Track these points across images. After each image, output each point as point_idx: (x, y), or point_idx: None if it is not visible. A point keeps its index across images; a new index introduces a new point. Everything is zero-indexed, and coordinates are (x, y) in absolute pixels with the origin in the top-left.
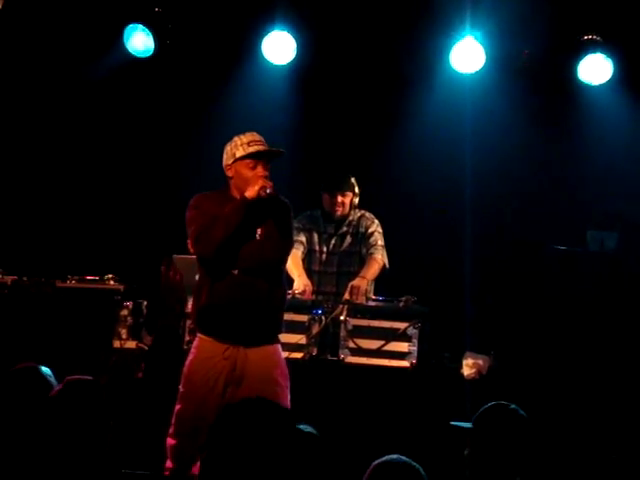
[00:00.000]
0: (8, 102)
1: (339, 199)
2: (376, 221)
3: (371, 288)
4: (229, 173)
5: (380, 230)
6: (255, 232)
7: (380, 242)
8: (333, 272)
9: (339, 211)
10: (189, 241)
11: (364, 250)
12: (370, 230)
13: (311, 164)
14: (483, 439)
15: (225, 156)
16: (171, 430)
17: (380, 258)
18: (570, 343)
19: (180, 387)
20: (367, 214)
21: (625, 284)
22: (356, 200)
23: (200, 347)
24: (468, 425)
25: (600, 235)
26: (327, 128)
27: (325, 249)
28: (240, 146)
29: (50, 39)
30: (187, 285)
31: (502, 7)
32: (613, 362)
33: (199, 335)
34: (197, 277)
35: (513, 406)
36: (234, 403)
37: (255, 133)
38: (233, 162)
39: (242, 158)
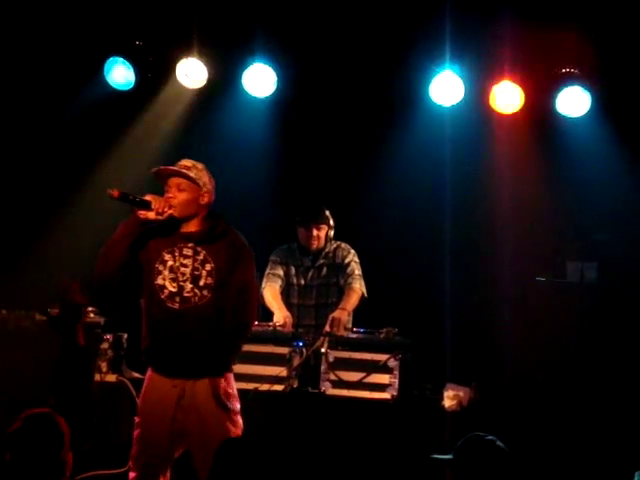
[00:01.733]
0: None
1: (314, 232)
2: (352, 251)
3: (350, 318)
4: None
5: (357, 260)
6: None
7: (357, 272)
8: (312, 305)
9: (315, 244)
10: None
11: (342, 281)
12: (347, 260)
13: (291, 197)
14: (463, 470)
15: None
16: (132, 456)
17: (358, 287)
18: (551, 374)
19: (135, 417)
20: (343, 244)
21: (606, 314)
22: (331, 233)
23: (150, 378)
24: (449, 457)
25: (580, 266)
26: (307, 161)
27: (303, 282)
28: None
29: (30, 71)
30: None
31: (480, 40)
32: (594, 392)
33: (148, 369)
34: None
35: (490, 437)
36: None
37: (185, 159)
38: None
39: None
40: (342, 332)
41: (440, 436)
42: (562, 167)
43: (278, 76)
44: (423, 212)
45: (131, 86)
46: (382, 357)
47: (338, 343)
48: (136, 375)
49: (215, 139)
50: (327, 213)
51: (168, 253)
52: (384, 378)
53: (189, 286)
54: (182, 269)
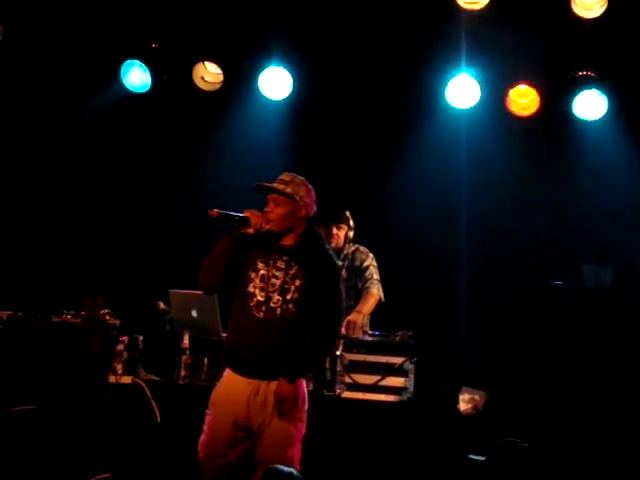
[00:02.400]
0: (4, 136)
1: (334, 231)
2: (371, 255)
3: (367, 322)
4: None
5: (375, 264)
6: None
7: (376, 276)
8: None
9: (333, 242)
10: None
11: (360, 284)
12: (365, 264)
13: (324, 203)
14: (496, 474)
15: None
16: (201, 443)
17: (376, 292)
18: (566, 378)
19: (207, 411)
20: (362, 248)
21: (621, 319)
22: (351, 234)
23: (226, 376)
24: (482, 459)
25: (596, 270)
26: (323, 163)
27: None
28: None
29: (47, 75)
30: (182, 319)
31: (496, 44)
32: (610, 396)
33: (226, 368)
34: None
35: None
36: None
37: (285, 173)
38: None
39: None
40: (358, 335)
41: (455, 439)
42: (579, 170)
43: (294, 79)
44: (439, 215)
45: (147, 89)
46: (397, 360)
47: (353, 346)
48: (152, 377)
49: (231, 142)
50: (347, 214)
51: (262, 262)
52: (399, 381)
53: (276, 297)
54: (273, 280)
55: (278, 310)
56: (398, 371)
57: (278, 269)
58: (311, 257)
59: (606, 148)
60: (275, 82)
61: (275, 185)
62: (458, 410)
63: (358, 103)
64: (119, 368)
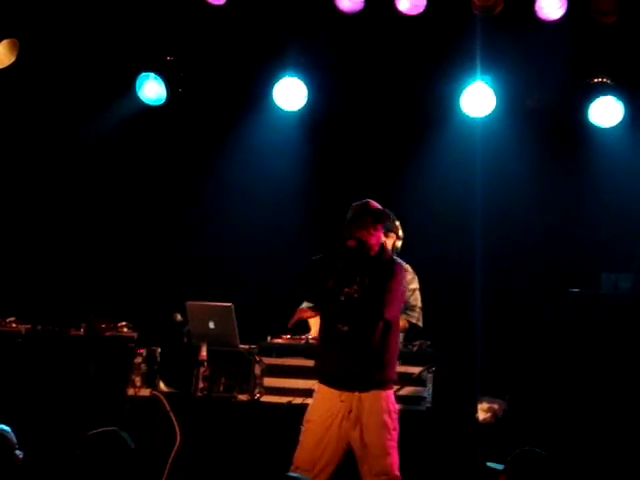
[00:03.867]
0: (21, 151)
1: (382, 239)
2: (416, 277)
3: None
4: None
5: (419, 287)
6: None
7: (419, 304)
8: None
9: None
10: None
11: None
12: (411, 287)
13: (322, 210)
14: None
15: None
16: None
17: (415, 322)
18: (586, 386)
19: (302, 427)
20: (409, 267)
21: None
22: (399, 244)
23: (320, 392)
24: (501, 467)
25: (614, 277)
26: (338, 174)
27: None
28: None
29: (63, 88)
30: (199, 331)
31: (511, 51)
32: (631, 404)
33: (318, 382)
34: None
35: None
36: None
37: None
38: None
39: None
40: None
41: (474, 448)
42: (595, 177)
43: (309, 89)
44: (455, 223)
45: (162, 101)
46: (415, 370)
47: None
48: (170, 389)
49: (246, 152)
50: (397, 224)
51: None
52: (418, 390)
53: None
54: (355, 295)
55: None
56: (416, 380)
57: (359, 284)
58: (381, 266)
59: (622, 155)
60: (290, 93)
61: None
62: (477, 419)
63: (373, 112)
64: (137, 381)
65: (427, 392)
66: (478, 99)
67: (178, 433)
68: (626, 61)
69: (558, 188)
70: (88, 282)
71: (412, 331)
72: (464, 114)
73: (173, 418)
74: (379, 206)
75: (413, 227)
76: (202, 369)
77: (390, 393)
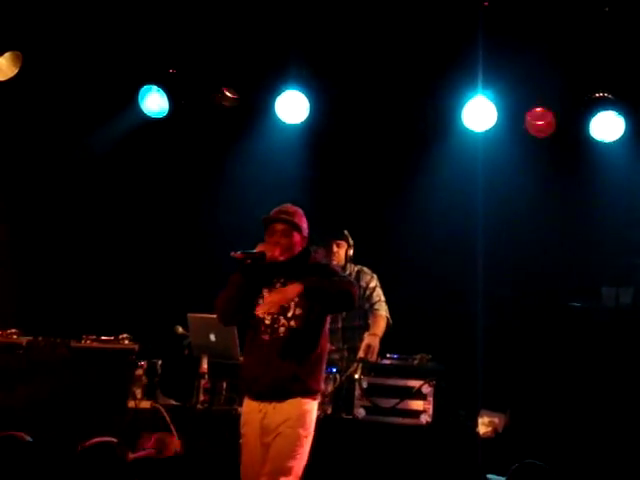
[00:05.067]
0: (24, 164)
1: (334, 249)
2: (375, 275)
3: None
4: None
5: (379, 284)
6: (257, 293)
7: (382, 298)
8: (338, 327)
9: (334, 260)
10: None
11: (366, 305)
12: (371, 285)
13: (324, 223)
14: None
15: None
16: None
17: (384, 314)
18: (586, 400)
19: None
20: (365, 269)
21: None
22: (350, 252)
23: (245, 404)
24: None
25: (615, 291)
26: (340, 187)
27: None
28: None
29: (66, 101)
30: (200, 344)
31: (513, 66)
32: (632, 418)
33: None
34: None
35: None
36: None
37: (285, 205)
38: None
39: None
40: (375, 358)
41: (474, 463)
42: (597, 191)
43: (311, 102)
44: (457, 237)
45: (165, 114)
46: (416, 383)
47: (372, 369)
48: (171, 402)
49: (248, 165)
50: (346, 232)
51: (266, 288)
52: (418, 404)
53: (280, 319)
54: None
55: (281, 330)
56: (417, 394)
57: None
58: (306, 271)
59: (623, 169)
60: (292, 106)
61: (285, 217)
62: (477, 433)
63: (375, 126)
64: (138, 393)
65: (428, 406)
66: (479, 113)
67: (178, 444)
68: (627, 76)
69: (559, 202)
70: (89, 294)
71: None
72: (465, 128)
73: (174, 430)
74: (287, 208)
75: (414, 240)
76: (203, 381)
77: (308, 402)
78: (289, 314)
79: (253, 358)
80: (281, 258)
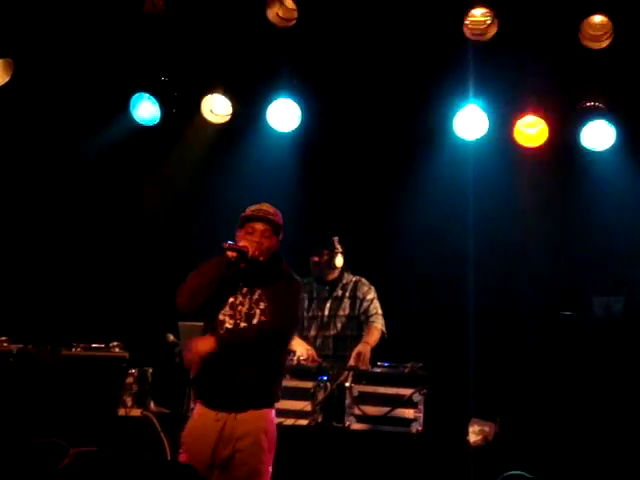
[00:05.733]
0: (14, 172)
1: (315, 259)
2: (372, 287)
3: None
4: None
5: (376, 297)
6: (229, 294)
7: (379, 311)
8: (330, 335)
9: (315, 270)
10: None
11: (362, 316)
12: (368, 297)
13: (316, 232)
14: None
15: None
16: None
17: (380, 327)
18: (577, 409)
19: (180, 450)
20: (363, 280)
21: (632, 349)
22: (337, 259)
23: (195, 413)
24: None
25: (606, 300)
26: (331, 195)
27: (320, 313)
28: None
29: (57, 108)
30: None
31: (504, 75)
32: (622, 427)
33: (197, 402)
34: None
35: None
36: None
37: (264, 204)
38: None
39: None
40: (366, 366)
41: (465, 471)
42: (587, 201)
43: (302, 111)
44: (447, 245)
45: (156, 121)
46: (407, 391)
47: (362, 377)
48: (162, 410)
49: (239, 173)
50: (333, 239)
51: (231, 292)
52: (409, 412)
53: (243, 324)
54: (239, 307)
55: None
56: (407, 403)
57: (244, 295)
58: (274, 278)
59: (614, 179)
60: (284, 114)
61: (270, 217)
62: (468, 441)
63: (366, 135)
64: (128, 401)
65: (418, 414)
66: (470, 122)
67: (169, 453)
68: (618, 85)
69: (550, 211)
70: (80, 301)
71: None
72: (457, 137)
73: (164, 438)
74: (268, 208)
75: (405, 249)
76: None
77: (270, 412)
78: (254, 320)
79: (211, 363)
80: (261, 259)
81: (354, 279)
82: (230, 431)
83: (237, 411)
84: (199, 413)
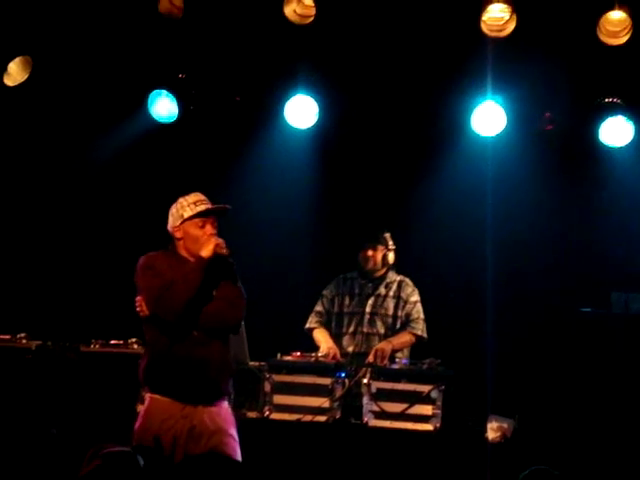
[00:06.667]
0: (34, 168)
1: (369, 253)
2: (416, 290)
3: (407, 353)
4: (177, 234)
5: (420, 299)
6: (212, 292)
7: (422, 315)
8: (369, 333)
9: (369, 264)
10: (145, 302)
11: (404, 319)
12: (412, 299)
13: (333, 227)
14: None
15: (171, 218)
16: None
17: (419, 333)
18: (595, 406)
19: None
20: (407, 280)
21: None
22: (390, 255)
23: (155, 409)
24: None
25: (625, 296)
26: (349, 192)
27: (361, 309)
28: (187, 206)
29: (75, 105)
30: None
31: (522, 71)
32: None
33: (151, 396)
34: (146, 335)
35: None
36: (194, 455)
37: (199, 193)
38: (181, 223)
39: (190, 218)
40: (385, 363)
41: (483, 468)
42: (605, 197)
43: (320, 107)
44: (466, 242)
45: (174, 119)
46: (425, 388)
47: (381, 374)
48: None
49: (257, 170)
50: (386, 235)
51: None
52: (427, 409)
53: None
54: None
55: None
56: (426, 399)
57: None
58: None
59: (633, 174)
60: (301, 110)
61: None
62: (486, 438)
63: (384, 131)
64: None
65: (437, 411)
66: (489, 118)
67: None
68: (637, 81)
69: (568, 207)
70: (99, 298)
71: (418, 343)
72: (475, 133)
73: None
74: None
75: (423, 245)
76: None
77: (226, 402)
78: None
79: (176, 353)
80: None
81: (398, 279)
82: (200, 428)
83: (205, 404)
84: (159, 407)
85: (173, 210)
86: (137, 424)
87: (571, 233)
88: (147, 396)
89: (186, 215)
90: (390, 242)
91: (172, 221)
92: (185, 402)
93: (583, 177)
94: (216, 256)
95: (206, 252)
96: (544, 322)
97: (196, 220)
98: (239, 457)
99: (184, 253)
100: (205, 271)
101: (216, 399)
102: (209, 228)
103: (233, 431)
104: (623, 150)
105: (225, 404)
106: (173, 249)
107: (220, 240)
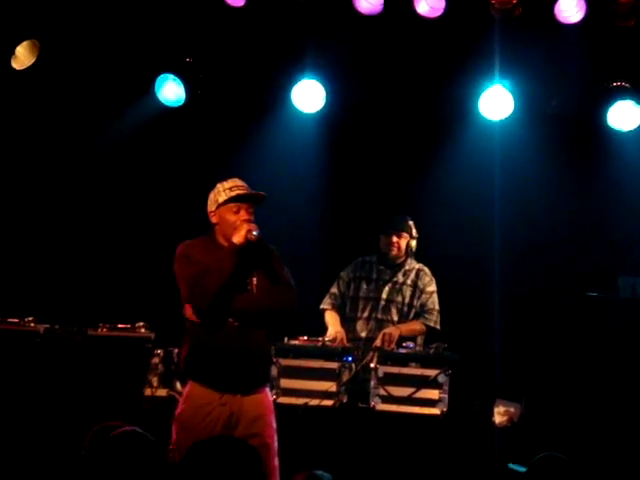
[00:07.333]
0: (41, 153)
1: (394, 239)
2: (434, 279)
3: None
4: (214, 219)
5: (436, 290)
6: (248, 279)
7: (437, 306)
8: (382, 319)
9: (394, 251)
10: (182, 291)
11: (419, 308)
12: (429, 289)
13: (340, 211)
14: None
15: (209, 203)
16: None
17: (432, 324)
18: (601, 390)
19: (174, 435)
20: (426, 269)
21: None
22: (413, 243)
23: (194, 395)
24: (523, 470)
25: (632, 281)
26: (356, 176)
27: (377, 295)
28: (222, 192)
29: (83, 89)
30: None
31: (530, 55)
32: None
33: (191, 383)
34: (186, 324)
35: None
36: (203, 440)
37: (237, 179)
38: (216, 208)
39: (225, 203)
40: (392, 348)
41: (490, 452)
42: (613, 180)
43: (327, 91)
44: (473, 227)
45: (181, 103)
46: (432, 372)
47: (388, 358)
48: None
49: (265, 155)
50: (410, 223)
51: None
52: (434, 393)
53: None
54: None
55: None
56: (432, 383)
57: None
58: (263, 257)
59: None
60: (308, 95)
61: (263, 195)
62: (493, 422)
63: (391, 115)
64: (154, 381)
65: (443, 395)
66: (496, 102)
67: None
68: None
69: (576, 191)
70: (107, 282)
71: (430, 334)
72: (482, 117)
73: None
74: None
75: (431, 230)
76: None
77: (268, 391)
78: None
79: (214, 343)
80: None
81: (417, 267)
82: (238, 416)
83: (244, 393)
84: (198, 394)
85: (211, 195)
86: (177, 409)
87: (578, 217)
88: (188, 381)
89: (221, 200)
90: (414, 230)
91: (209, 206)
92: (223, 391)
93: (590, 160)
94: (250, 243)
95: (238, 238)
96: (551, 306)
97: (231, 205)
98: (275, 444)
99: (221, 239)
100: (240, 258)
101: (255, 387)
102: (243, 214)
103: (272, 418)
104: (631, 134)
105: (266, 391)
106: (212, 235)
107: (253, 225)
